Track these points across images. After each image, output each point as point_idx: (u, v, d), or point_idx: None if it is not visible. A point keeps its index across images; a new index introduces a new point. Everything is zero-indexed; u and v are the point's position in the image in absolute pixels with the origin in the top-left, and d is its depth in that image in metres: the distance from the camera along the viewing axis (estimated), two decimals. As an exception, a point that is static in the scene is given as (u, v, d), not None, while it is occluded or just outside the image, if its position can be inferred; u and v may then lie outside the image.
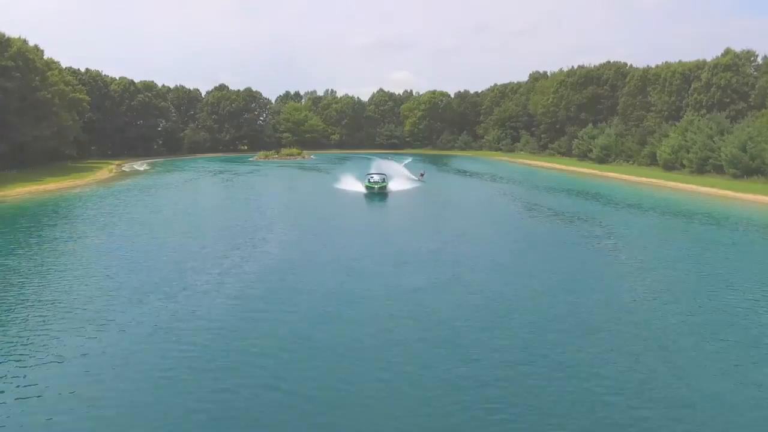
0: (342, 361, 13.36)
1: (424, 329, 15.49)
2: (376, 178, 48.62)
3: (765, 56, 69.97)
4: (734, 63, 68.64)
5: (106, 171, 71.46)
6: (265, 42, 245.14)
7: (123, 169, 77.95)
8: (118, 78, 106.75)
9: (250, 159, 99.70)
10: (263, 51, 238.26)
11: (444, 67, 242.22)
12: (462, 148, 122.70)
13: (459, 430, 10.49)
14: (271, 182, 63.51)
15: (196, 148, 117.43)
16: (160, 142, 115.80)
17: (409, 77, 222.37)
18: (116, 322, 15.76)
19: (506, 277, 21.28)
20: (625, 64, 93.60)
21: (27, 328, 15.22)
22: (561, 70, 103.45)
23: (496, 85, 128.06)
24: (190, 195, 50.35)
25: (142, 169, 78.03)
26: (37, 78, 66.35)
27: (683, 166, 61.43)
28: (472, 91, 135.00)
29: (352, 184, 51.61)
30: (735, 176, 53.27)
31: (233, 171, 74.51)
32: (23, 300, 17.78)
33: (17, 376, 12.35)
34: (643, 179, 59.41)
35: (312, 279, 20.60)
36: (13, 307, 17.04)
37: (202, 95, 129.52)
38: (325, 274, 21.17)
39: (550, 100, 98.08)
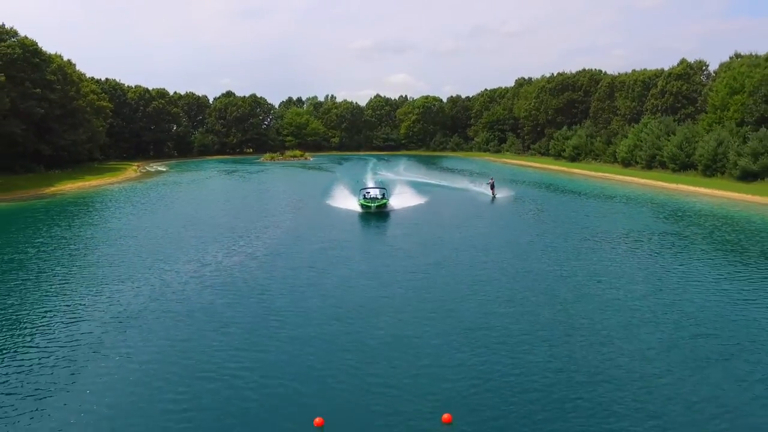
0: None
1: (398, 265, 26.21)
2: (372, 193, 40.97)
3: (721, 63, 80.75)
4: (686, 72, 79.54)
5: (131, 171, 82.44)
6: (265, 46, 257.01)
7: (143, 170, 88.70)
8: (134, 86, 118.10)
9: (258, 160, 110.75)
10: (264, 55, 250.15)
11: (443, 69, 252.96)
12: (453, 149, 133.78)
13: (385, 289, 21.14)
14: (276, 179, 74.14)
15: (205, 151, 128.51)
16: (171, 145, 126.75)
17: (408, 79, 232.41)
18: (214, 251, 26.63)
19: (451, 232, 32.04)
20: (600, 71, 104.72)
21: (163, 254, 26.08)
22: (543, 77, 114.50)
23: (486, 90, 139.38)
24: (216, 188, 60.96)
25: (162, 169, 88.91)
26: (73, 89, 77.44)
27: (637, 162, 72.33)
28: (464, 96, 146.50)
29: (345, 200, 43.68)
30: (674, 170, 64.19)
31: (245, 170, 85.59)
32: (147, 242, 28.64)
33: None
34: (599, 174, 70.55)
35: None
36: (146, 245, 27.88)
37: (210, 101, 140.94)
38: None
39: (532, 104, 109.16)
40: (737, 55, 77.39)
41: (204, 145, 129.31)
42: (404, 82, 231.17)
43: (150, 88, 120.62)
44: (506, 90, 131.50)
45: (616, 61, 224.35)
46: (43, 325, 16.57)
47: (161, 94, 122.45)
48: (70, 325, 16.55)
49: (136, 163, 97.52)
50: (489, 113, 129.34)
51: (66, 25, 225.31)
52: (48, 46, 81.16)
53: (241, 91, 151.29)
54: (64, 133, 73.64)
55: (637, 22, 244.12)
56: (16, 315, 17.52)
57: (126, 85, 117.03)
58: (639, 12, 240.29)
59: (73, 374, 13.25)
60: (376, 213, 38.03)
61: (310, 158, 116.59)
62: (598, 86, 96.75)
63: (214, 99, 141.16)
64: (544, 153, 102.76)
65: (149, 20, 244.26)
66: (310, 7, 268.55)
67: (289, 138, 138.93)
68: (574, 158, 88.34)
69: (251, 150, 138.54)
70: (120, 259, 24.91)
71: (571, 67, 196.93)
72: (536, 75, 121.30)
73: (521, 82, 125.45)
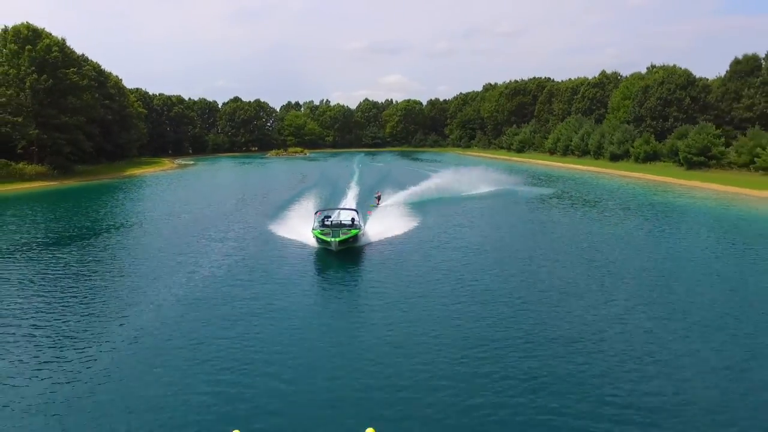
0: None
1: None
2: (336, 217, 30.50)
3: (629, 74, 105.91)
4: (601, 81, 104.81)
5: (169, 164, 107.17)
6: (260, 48, 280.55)
7: (177, 163, 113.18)
8: (158, 94, 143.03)
9: (266, 155, 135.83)
10: (259, 57, 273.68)
11: (437, 69, 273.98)
12: (431, 146, 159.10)
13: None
14: (279, 168, 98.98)
15: (217, 149, 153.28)
16: (187, 144, 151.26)
17: (402, 80, 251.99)
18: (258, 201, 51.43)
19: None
20: (548, 78, 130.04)
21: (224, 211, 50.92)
22: (504, 83, 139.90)
23: (460, 93, 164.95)
24: (246, 172, 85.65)
25: (190, 163, 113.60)
26: (125, 100, 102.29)
27: (558, 151, 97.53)
28: (441, 99, 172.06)
29: (300, 222, 31.71)
30: (578, 156, 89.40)
31: (258, 162, 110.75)
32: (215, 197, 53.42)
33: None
34: (525, 159, 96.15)
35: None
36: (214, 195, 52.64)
37: (219, 106, 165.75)
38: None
39: (493, 106, 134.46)
40: (652, 66, 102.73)
41: (216, 144, 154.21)
42: (398, 83, 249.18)
43: (170, 95, 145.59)
44: (476, 94, 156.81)
45: (608, 60, 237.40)
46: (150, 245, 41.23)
47: (180, 100, 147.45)
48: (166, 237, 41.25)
49: (166, 159, 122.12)
50: (462, 114, 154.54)
51: (61, 28, 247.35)
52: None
53: (236, 92, 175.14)
54: (120, 134, 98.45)
55: (630, 21, 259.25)
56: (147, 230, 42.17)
57: (151, 93, 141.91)
58: (632, 11, 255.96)
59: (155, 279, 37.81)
60: (339, 252, 24.57)
61: (309, 153, 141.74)
62: (543, 91, 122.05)
63: (223, 104, 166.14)
64: (502, 147, 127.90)
65: (145, 23, 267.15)
66: (303, 10, 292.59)
67: (289, 138, 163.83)
68: (520, 150, 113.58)
69: (256, 148, 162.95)
70: (202, 206, 49.73)
71: (564, 66, 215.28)
72: (529, 75, 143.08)
73: (488, 88, 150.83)
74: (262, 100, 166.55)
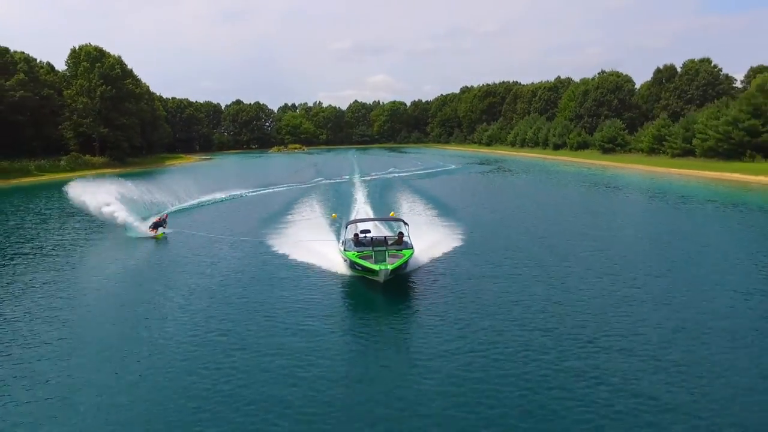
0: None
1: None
2: (376, 230, 23.97)
3: (580, 79, 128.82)
4: (555, 86, 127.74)
5: (193, 158, 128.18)
6: (245, 48, 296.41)
7: (198, 157, 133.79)
8: (171, 98, 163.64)
9: (269, 152, 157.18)
10: (245, 57, 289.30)
11: (421, 69, 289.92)
12: (415, 142, 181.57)
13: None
14: (288, 160, 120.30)
15: (222, 147, 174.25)
16: (195, 143, 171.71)
17: (388, 80, 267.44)
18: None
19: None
20: (516, 82, 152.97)
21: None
22: (479, 86, 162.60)
23: (441, 95, 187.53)
24: (257, 162, 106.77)
25: (209, 157, 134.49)
26: (153, 104, 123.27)
27: (517, 143, 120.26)
28: (424, 100, 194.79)
29: (318, 242, 24.34)
30: (531, 147, 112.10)
31: (266, 156, 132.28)
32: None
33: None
34: (491, 151, 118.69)
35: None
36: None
37: (222, 108, 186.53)
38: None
39: (468, 107, 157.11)
40: (602, 71, 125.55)
41: (221, 142, 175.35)
42: (384, 82, 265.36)
43: (181, 99, 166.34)
44: (454, 95, 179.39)
45: (591, 59, 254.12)
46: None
47: (189, 103, 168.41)
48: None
49: (183, 155, 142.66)
50: (441, 113, 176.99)
51: (48, 31, 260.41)
52: (33, 51, 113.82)
53: (222, 93, 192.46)
54: (152, 133, 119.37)
55: (614, 20, 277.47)
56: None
57: (164, 97, 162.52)
58: (615, 10, 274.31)
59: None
60: (387, 280, 17.87)
61: (307, 149, 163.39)
62: (509, 94, 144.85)
63: (226, 106, 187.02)
64: (475, 142, 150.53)
65: (131, 24, 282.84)
66: (287, 10, 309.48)
67: (287, 136, 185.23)
68: (489, 144, 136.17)
69: (256, 146, 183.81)
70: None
71: (547, 64, 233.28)
72: (513, 74, 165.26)
73: (464, 90, 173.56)
74: (261, 102, 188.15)
